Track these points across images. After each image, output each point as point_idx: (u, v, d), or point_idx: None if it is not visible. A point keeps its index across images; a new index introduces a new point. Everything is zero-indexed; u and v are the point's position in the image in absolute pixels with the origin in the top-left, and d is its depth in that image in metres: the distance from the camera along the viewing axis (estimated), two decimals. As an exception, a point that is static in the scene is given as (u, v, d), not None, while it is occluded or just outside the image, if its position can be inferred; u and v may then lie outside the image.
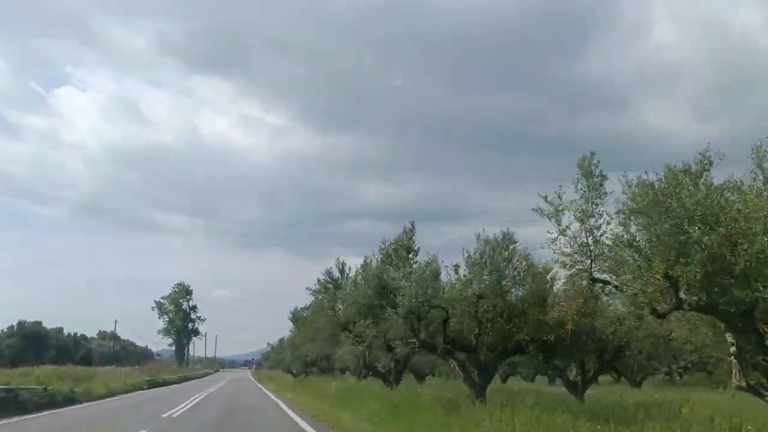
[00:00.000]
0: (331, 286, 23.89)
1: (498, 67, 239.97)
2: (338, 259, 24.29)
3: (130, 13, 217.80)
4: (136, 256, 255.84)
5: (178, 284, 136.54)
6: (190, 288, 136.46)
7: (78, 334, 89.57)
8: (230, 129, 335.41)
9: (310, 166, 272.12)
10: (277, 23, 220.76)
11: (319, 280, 24.49)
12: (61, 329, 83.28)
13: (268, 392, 35.98)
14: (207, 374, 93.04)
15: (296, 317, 48.48)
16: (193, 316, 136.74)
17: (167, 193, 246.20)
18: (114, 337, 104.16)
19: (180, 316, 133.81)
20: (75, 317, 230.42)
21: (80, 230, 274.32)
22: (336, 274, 24.06)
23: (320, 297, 24.67)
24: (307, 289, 24.55)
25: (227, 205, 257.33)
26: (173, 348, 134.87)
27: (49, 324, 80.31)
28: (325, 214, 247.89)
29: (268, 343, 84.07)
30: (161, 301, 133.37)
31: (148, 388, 39.32)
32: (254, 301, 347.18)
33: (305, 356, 43.40)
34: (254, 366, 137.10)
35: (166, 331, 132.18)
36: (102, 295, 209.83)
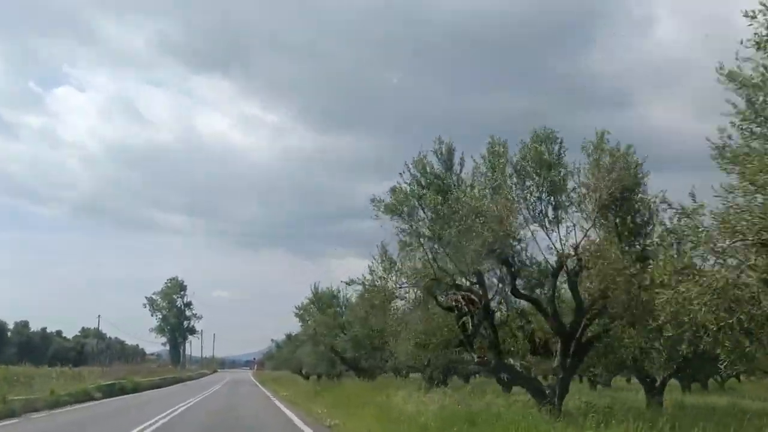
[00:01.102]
0: (427, 193, 11.02)
1: (498, 66, 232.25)
2: (439, 139, 11.47)
3: (130, 12, 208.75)
4: (136, 256, 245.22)
5: (171, 279, 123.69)
6: (184, 283, 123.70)
7: (47, 330, 76.62)
8: (230, 129, 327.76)
9: (310, 166, 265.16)
10: (277, 23, 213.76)
11: (396, 188, 11.56)
12: (26, 323, 70.32)
13: (284, 408, 22.84)
14: (203, 375, 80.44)
15: (319, 297, 35.92)
16: (188, 313, 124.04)
17: (167, 193, 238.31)
18: (98, 334, 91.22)
19: (174, 313, 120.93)
20: (72, 317, 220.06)
21: (80, 230, 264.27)
22: (436, 167, 11.22)
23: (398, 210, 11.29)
24: (373, 203, 11.36)
25: (227, 205, 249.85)
26: (168, 347, 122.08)
27: (51, 325, 68.33)
28: (325, 214, 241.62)
29: (272, 340, 71.16)
30: (153, 297, 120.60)
31: (104, 398, 26.73)
32: (254, 302, 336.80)
33: (342, 352, 30.52)
34: (255, 366, 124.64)
35: (159, 329, 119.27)
36: (101, 296, 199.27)
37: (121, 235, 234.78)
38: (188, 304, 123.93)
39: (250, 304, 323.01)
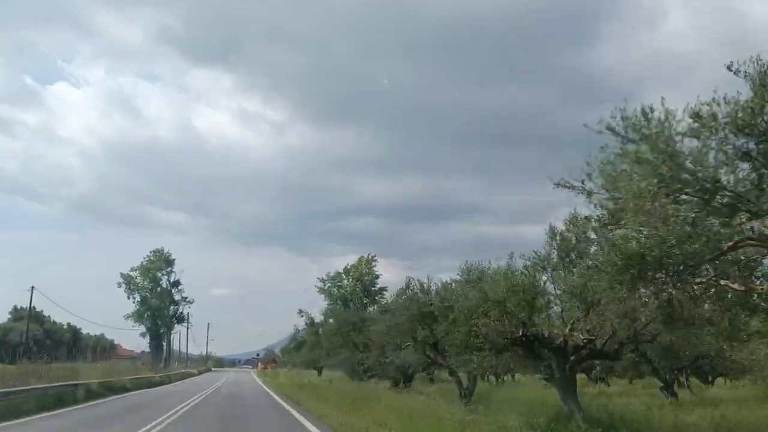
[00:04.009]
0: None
1: (505, 60, 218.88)
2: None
3: (127, 4, 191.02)
4: (135, 255, 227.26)
5: (154, 251, 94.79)
6: (172, 257, 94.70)
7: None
8: (228, 125, 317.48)
9: (310, 163, 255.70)
10: (276, 15, 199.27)
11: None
12: None
13: None
14: (186, 376, 53.11)
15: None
16: (176, 296, 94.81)
17: (165, 191, 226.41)
18: (36, 317, 63.57)
19: (157, 294, 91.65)
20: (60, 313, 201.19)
21: (76, 228, 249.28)
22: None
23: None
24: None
25: (226, 202, 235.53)
26: (148, 339, 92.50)
27: None
28: (325, 211, 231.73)
29: (294, 326, 42.35)
30: (130, 273, 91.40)
31: None
32: (254, 300, 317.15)
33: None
34: (261, 364, 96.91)
35: (137, 316, 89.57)
36: (97, 295, 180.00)
37: (122, 232, 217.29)
38: (176, 284, 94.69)
39: (250, 303, 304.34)
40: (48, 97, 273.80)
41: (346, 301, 30.51)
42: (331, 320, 28.51)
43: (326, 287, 68.03)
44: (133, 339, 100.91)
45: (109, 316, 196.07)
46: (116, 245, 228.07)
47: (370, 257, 67.91)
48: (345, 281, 67.48)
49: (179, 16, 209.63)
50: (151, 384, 34.07)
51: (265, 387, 35.55)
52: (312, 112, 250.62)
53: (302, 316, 39.39)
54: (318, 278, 68.09)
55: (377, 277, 63.70)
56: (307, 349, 39.81)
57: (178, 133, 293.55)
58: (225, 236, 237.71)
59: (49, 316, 68.94)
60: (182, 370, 59.45)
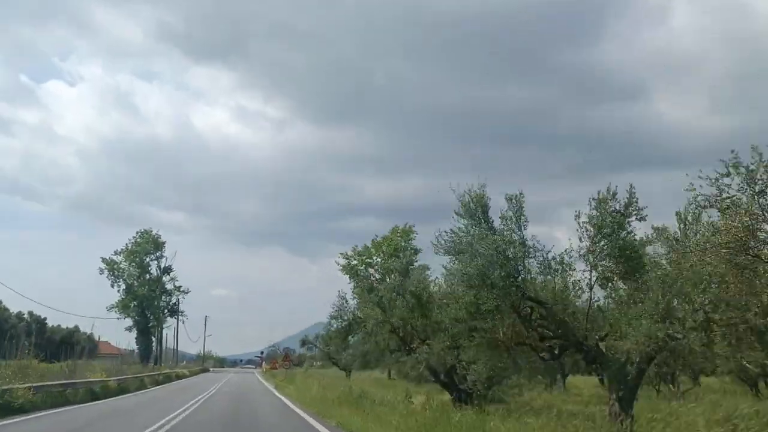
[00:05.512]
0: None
1: (502, 59, 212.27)
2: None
3: (127, 1, 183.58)
4: None
5: (142, 232, 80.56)
6: (162, 240, 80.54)
7: None
8: (228, 123, 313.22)
9: (310, 162, 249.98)
10: (278, 13, 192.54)
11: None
12: None
13: None
14: (173, 378, 39.32)
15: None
16: (168, 284, 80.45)
17: (164, 189, 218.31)
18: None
19: (144, 281, 77.40)
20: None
21: (75, 228, 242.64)
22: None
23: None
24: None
25: (226, 202, 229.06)
26: (134, 334, 77.91)
27: None
28: (325, 211, 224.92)
29: (339, 293, 27.42)
30: (114, 258, 77.29)
31: None
32: (255, 300, 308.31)
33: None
34: (266, 363, 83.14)
35: (122, 306, 75.29)
36: (96, 294, 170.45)
37: (121, 232, 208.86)
38: (167, 270, 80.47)
39: (250, 303, 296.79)
40: (44, 96, 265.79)
41: (486, 216, 12.36)
42: (450, 258, 11.15)
43: (350, 265, 53.86)
44: (122, 335, 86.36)
45: (102, 313, 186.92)
46: (116, 245, 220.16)
47: (408, 227, 53.78)
48: (375, 257, 53.29)
49: (179, 14, 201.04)
50: (92, 396, 19.87)
51: (296, 408, 21.09)
52: (312, 112, 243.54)
53: (351, 279, 23.67)
54: (341, 254, 53.80)
55: (417, 252, 49.01)
56: (362, 336, 22.20)
57: (179, 132, 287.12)
58: (225, 236, 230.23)
59: (0, 302, 55.27)
60: (167, 371, 45.19)
